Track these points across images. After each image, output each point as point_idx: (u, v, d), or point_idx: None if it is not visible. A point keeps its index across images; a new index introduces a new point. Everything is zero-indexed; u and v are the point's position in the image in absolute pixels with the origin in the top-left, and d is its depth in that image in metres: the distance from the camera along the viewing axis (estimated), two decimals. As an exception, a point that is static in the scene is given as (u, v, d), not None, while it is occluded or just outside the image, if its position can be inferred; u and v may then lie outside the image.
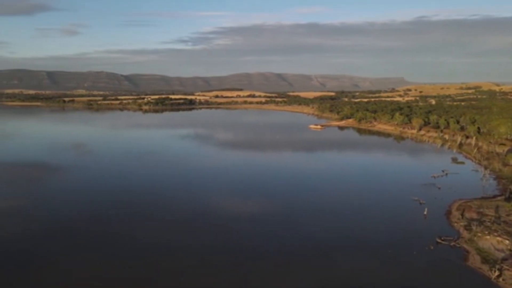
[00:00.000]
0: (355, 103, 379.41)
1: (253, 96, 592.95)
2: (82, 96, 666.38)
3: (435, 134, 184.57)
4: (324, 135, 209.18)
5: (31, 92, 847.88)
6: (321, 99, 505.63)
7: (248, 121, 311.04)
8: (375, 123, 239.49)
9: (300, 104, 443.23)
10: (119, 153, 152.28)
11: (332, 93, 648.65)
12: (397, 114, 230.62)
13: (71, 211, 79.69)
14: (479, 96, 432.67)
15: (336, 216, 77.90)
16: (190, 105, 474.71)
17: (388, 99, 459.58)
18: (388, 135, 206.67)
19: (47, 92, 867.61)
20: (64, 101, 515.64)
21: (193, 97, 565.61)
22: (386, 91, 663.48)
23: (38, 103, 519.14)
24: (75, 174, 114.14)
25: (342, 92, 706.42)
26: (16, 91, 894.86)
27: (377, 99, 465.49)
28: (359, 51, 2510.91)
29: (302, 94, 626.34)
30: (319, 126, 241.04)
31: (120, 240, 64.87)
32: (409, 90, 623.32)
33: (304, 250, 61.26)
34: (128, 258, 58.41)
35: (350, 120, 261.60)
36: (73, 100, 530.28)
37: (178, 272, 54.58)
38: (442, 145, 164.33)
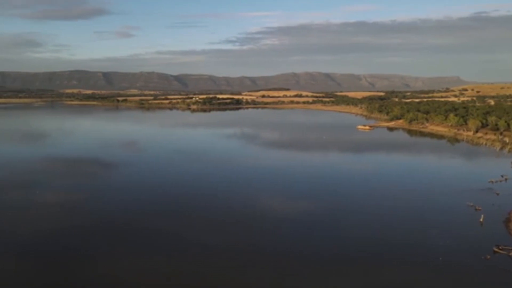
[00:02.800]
0: (406, 103, 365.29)
1: (300, 96, 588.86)
2: (135, 95, 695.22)
3: (493, 137, 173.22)
4: (372, 136, 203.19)
5: (88, 91, 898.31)
6: (370, 99, 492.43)
7: (294, 121, 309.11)
8: (427, 124, 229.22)
9: (348, 104, 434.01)
10: (167, 151, 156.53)
11: (382, 93, 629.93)
12: (451, 115, 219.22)
13: (120, 206, 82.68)
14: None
15: (384, 219, 74.93)
16: (237, 104, 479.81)
17: (442, 99, 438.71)
18: (441, 137, 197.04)
19: (103, 91, 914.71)
20: (118, 101, 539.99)
21: (240, 96, 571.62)
22: (439, 91, 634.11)
23: (94, 102, 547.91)
24: (127, 170, 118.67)
25: (392, 92, 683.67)
26: (75, 90, 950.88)
27: (429, 99, 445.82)
28: (411, 49, 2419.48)
29: (350, 94, 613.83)
30: (367, 127, 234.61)
31: (166, 236, 66.27)
32: (465, 90, 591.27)
33: (348, 255, 59.40)
34: (172, 255, 59.49)
35: (400, 121, 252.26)
36: (126, 100, 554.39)
37: (219, 270, 54.81)
38: (502, 148, 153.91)
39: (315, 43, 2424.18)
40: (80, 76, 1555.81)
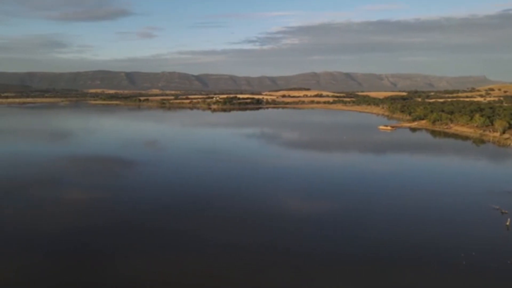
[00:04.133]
0: (429, 103, 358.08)
1: (321, 96, 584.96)
2: (156, 95, 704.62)
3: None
4: (394, 136, 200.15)
5: (111, 91, 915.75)
6: (392, 99, 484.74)
7: (315, 121, 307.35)
8: (451, 125, 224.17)
9: (369, 104, 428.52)
10: (188, 150, 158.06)
11: (404, 93, 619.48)
12: (477, 115, 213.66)
13: (141, 205, 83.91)
14: None
15: (406, 221, 73.76)
16: (257, 104, 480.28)
17: (467, 99, 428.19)
18: (466, 138, 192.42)
19: (125, 91, 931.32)
20: (140, 100, 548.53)
21: (260, 96, 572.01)
22: (464, 91, 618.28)
23: (117, 102, 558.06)
24: (148, 169, 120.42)
25: (415, 92, 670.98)
26: (99, 90, 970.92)
27: (454, 99, 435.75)
28: (435, 48, 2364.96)
29: (372, 94, 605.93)
30: (389, 127, 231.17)
31: (185, 236, 66.99)
32: (492, 89, 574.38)
33: (369, 256, 58.68)
34: (191, 254, 60.07)
35: (423, 121, 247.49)
36: (147, 99, 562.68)
37: (239, 270, 55.04)
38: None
39: (335, 43, 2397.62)
40: (104, 76, 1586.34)
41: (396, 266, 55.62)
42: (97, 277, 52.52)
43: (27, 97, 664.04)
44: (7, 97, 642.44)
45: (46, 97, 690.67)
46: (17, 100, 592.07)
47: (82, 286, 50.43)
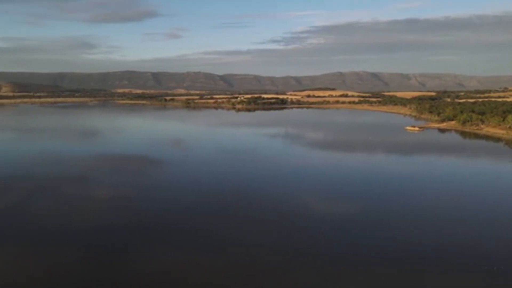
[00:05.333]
0: (459, 103, 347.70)
1: (346, 96, 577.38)
2: (181, 95, 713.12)
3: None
4: (422, 138, 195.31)
5: (138, 91, 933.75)
6: (420, 99, 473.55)
7: (339, 121, 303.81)
8: (482, 126, 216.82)
9: (396, 104, 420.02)
10: (213, 149, 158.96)
11: (433, 93, 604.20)
12: (510, 116, 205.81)
13: (167, 204, 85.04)
14: None
15: (436, 224, 71.61)
16: (281, 104, 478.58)
17: (500, 99, 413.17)
18: (497, 139, 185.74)
19: (151, 91, 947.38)
20: (166, 100, 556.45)
21: (284, 96, 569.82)
22: (497, 91, 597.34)
23: (144, 102, 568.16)
24: (174, 168, 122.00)
25: (444, 92, 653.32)
26: (126, 90, 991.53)
27: (485, 99, 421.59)
28: (466, 47, 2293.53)
29: (399, 94, 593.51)
30: (416, 128, 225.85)
31: (211, 235, 67.27)
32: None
33: (393, 260, 57.29)
34: (217, 253, 60.24)
35: (453, 122, 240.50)
36: (173, 99, 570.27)
37: (264, 270, 54.78)
38: None
39: (361, 42, 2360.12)
40: (131, 76, 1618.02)
41: (424, 270, 54.02)
42: (119, 273, 53.46)
43: (58, 96, 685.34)
44: (39, 96, 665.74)
45: (76, 96, 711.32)
46: (49, 99, 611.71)
47: (106, 282, 51.39)
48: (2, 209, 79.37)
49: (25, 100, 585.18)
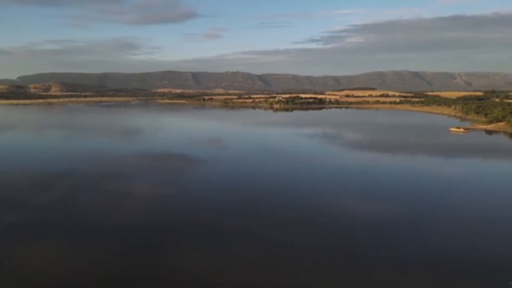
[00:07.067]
0: (509, 104, 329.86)
1: (386, 95, 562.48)
2: (220, 94, 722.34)
3: None
4: (468, 140, 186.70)
5: (177, 91, 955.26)
6: (466, 99, 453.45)
7: (379, 121, 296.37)
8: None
9: (439, 104, 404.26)
10: (250, 148, 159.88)
11: (480, 93, 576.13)
12: None
13: (204, 202, 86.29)
14: None
15: (474, 229, 68.24)
16: (319, 104, 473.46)
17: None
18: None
19: (190, 91, 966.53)
20: (204, 99, 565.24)
21: (323, 96, 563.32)
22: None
23: (183, 101, 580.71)
24: (211, 167, 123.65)
25: (493, 91, 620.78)
26: (166, 90, 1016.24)
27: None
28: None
29: (443, 94, 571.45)
30: (461, 129, 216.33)
31: (245, 234, 67.54)
32: None
33: (425, 263, 55.03)
34: (250, 253, 60.32)
35: (502, 123, 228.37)
36: (211, 99, 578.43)
37: (299, 271, 54.26)
38: None
39: (403, 40, 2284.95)
40: (171, 76, 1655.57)
41: (456, 275, 51.57)
42: (154, 270, 54.65)
43: (103, 96, 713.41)
44: (85, 96, 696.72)
45: (119, 96, 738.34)
46: (94, 99, 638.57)
47: (141, 278, 52.70)
48: (50, 203, 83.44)
49: (72, 99, 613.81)
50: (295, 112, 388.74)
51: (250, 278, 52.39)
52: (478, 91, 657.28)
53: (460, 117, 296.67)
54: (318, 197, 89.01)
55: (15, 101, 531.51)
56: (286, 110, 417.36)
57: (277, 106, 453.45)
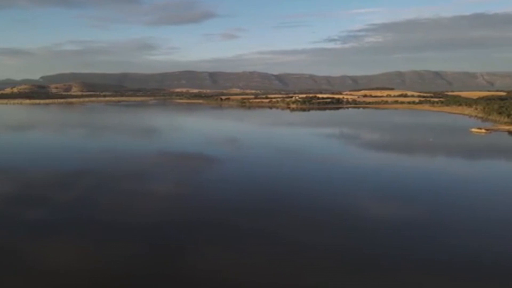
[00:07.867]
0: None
1: (405, 96, 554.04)
2: (237, 94, 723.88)
3: None
4: (490, 141, 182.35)
5: (195, 91, 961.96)
6: (488, 99, 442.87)
7: (398, 121, 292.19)
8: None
9: (460, 104, 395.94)
10: (267, 148, 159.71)
11: (503, 93, 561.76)
12: None
13: (220, 202, 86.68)
14: None
15: (490, 233, 66.57)
16: (337, 104, 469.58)
17: None
18: None
19: (208, 91, 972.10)
20: (221, 99, 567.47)
21: (340, 96, 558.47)
22: None
23: (200, 101, 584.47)
24: (228, 166, 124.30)
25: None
26: (183, 90, 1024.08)
27: None
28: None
29: (463, 94, 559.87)
30: (483, 130, 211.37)
31: (262, 234, 67.51)
32: None
33: (444, 263, 53.91)
34: (268, 253, 60.25)
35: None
36: (228, 98, 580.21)
37: (317, 273, 53.93)
38: None
39: (423, 39, 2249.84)
40: (188, 76, 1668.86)
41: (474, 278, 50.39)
42: (173, 269, 55.13)
43: (122, 96, 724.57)
44: (105, 96, 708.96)
45: (138, 96, 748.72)
46: (113, 98, 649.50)
47: (159, 277, 53.20)
48: (71, 201, 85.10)
49: (92, 99, 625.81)
50: (312, 112, 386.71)
51: (268, 279, 52.28)
52: (501, 91, 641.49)
53: (482, 118, 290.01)
54: (336, 198, 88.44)
55: (37, 101, 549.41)
56: (303, 110, 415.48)
57: (293, 106, 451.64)
